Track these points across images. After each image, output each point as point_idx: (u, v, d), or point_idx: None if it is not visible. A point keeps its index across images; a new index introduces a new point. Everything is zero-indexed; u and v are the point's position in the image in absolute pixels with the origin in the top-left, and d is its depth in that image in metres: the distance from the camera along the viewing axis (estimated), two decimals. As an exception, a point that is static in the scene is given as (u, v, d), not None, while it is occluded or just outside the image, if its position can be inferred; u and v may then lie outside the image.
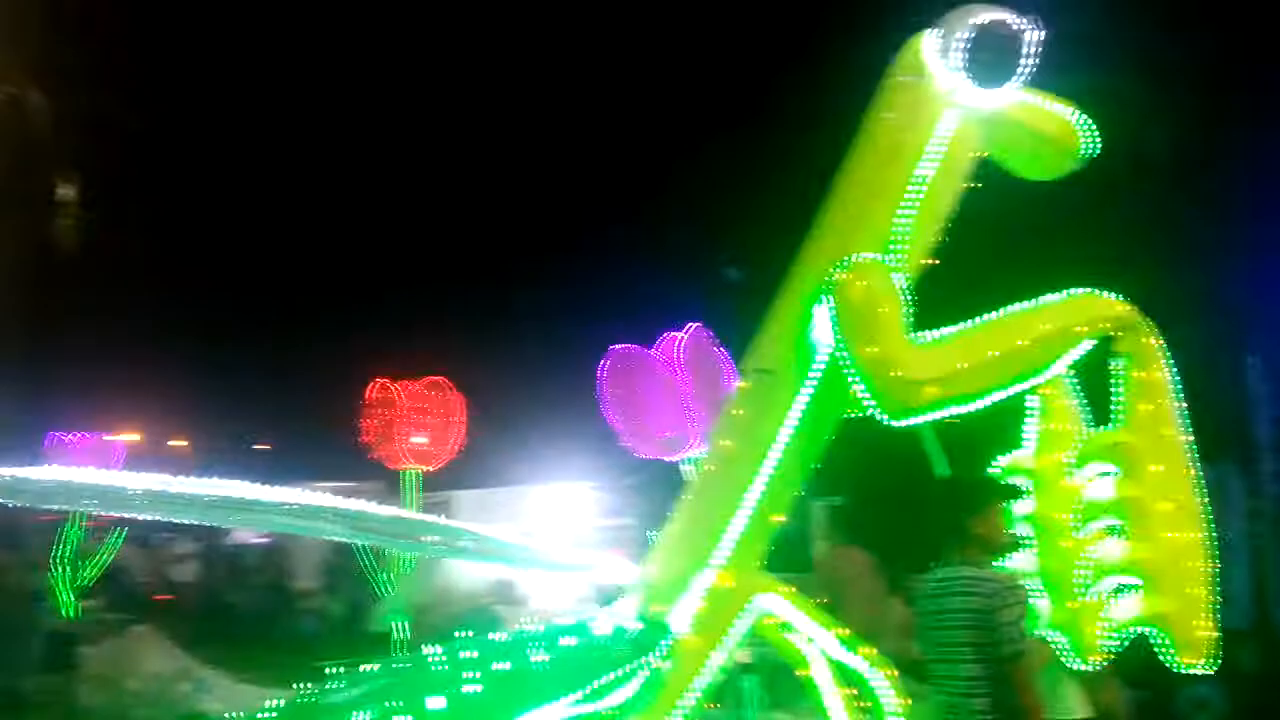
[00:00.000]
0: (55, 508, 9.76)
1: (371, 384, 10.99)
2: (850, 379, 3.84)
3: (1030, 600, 4.00)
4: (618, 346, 9.57)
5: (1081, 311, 4.01)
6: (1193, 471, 4.04)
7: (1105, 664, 4.15)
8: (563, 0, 17.57)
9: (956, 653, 3.76)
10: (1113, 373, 4.11)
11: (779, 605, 4.16)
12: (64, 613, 11.78)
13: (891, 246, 4.04)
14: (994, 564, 4.00)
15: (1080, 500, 4.09)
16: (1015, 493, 4.30)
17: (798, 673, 4.33)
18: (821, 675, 4.24)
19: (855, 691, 4.16)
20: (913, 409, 3.79)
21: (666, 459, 9.27)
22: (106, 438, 14.18)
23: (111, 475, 3.44)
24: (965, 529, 3.86)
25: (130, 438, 18.71)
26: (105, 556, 13.24)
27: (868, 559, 7.27)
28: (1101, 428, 4.17)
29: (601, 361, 9.48)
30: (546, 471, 15.40)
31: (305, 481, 20.19)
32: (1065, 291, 4.03)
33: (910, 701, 3.97)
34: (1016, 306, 3.99)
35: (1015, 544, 4.29)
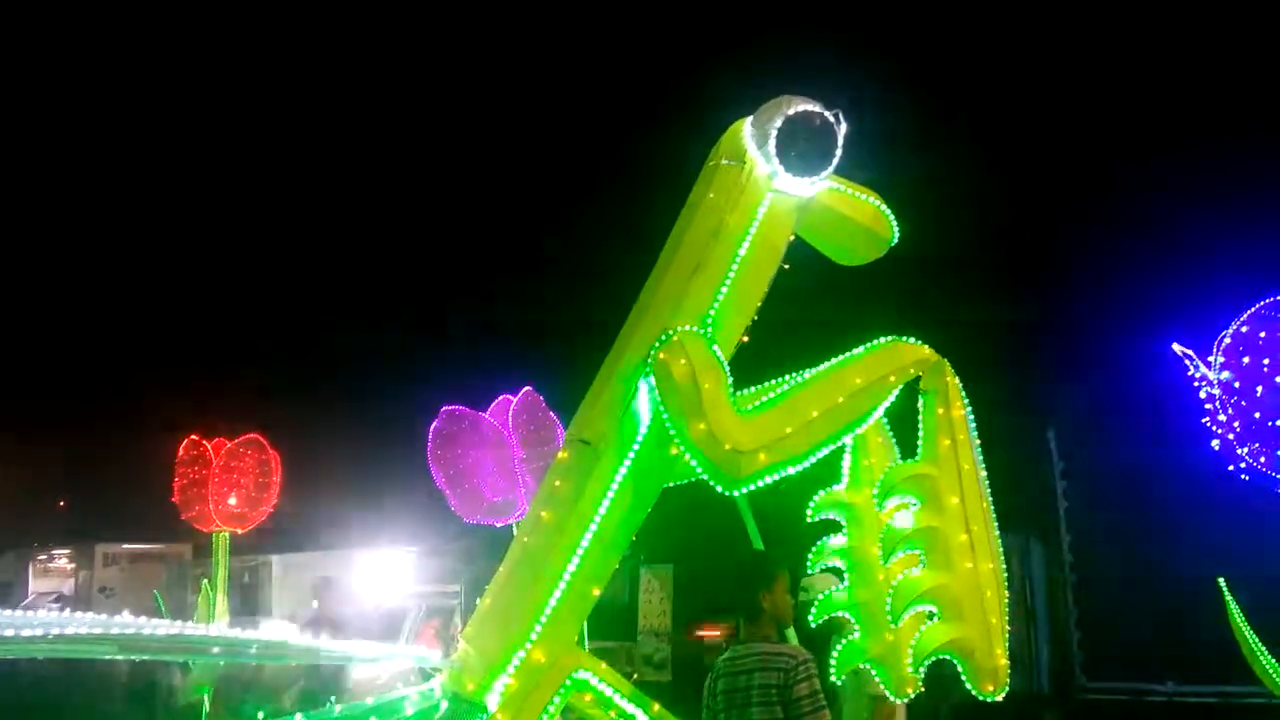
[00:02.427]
0: None
1: (183, 441, 10.42)
2: (682, 454, 3.88)
3: (823, 673, 4.06)
4: (447, 407, 9.41)
5: (890, 360, 4.18)
6: (988, 504, 4.21)
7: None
8: (399, 83, 17.53)
9: None
10: (917, 409, 4.28)
11: (596, 681, 4.11)
12: None
13: (709, 321, 4.14)
14: (784, 638, 4.06)
15: (886, 531, 4.21)
16: (833, 527, 4.41)
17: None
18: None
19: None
20: (747, 478, 3.84)
21: (496, 524, 9.13)
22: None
23: None
24: (756, 604, 3.90)
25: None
26: None
27: None
28: (906, 460, 4.34)
29: (431, 423, 9.30)
30: (369, 535, 14.93)
31: (107, 543, 19.03)
32: (872, 342, 4.21)
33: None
34: (829, 363, 4.15)
35: (803, 615, 4.38)
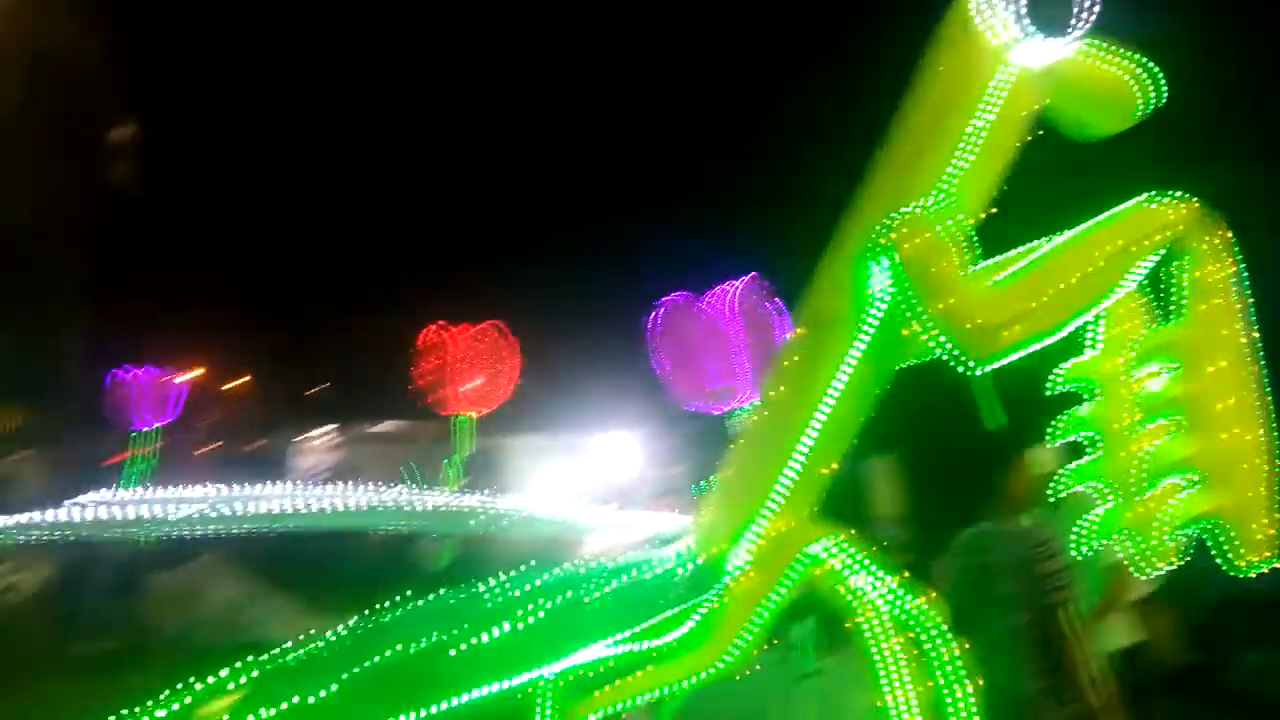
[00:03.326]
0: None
1: (425, 329, 11.12)
2: (919, 333, 3.77)
3: (1065, 549, 3.95)
4: (669, 297, 9.62)
5: (1153, 219, 3.85)
6: (1256, 370, 3.91)
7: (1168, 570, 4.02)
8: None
9: (1000, 605, 3.79)
10: (1172, 270, 3.98)
11: (834, 551, 4.20)
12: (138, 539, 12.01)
13: (947, 196, 3.98)
14: (1026, 516, 3.98)
15: (1141, 398, 4.01)
16: (1077, 399, 4.22)
17: (849, 621, 4.38)
18: (875, 622, 4.27)
19: (910, 638, 4.10)
20: (996, 354, 3.71)
21: (715, 410, 9.36)
22: (165, 377, 14.20)
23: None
24: (996, 484, 3.84)
25: (193, 375, 18.89)
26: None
27: None
28: (1163, 324, 4.06)
29: (652, 313, 9.55)
30: (599, 419, 15.54)
31: (361, 422, 20.67)
32: (1133, 200, 3.89)
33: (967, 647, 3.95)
34: (1083, 226, 3.88)
35: (1046, 494, 4.24)
